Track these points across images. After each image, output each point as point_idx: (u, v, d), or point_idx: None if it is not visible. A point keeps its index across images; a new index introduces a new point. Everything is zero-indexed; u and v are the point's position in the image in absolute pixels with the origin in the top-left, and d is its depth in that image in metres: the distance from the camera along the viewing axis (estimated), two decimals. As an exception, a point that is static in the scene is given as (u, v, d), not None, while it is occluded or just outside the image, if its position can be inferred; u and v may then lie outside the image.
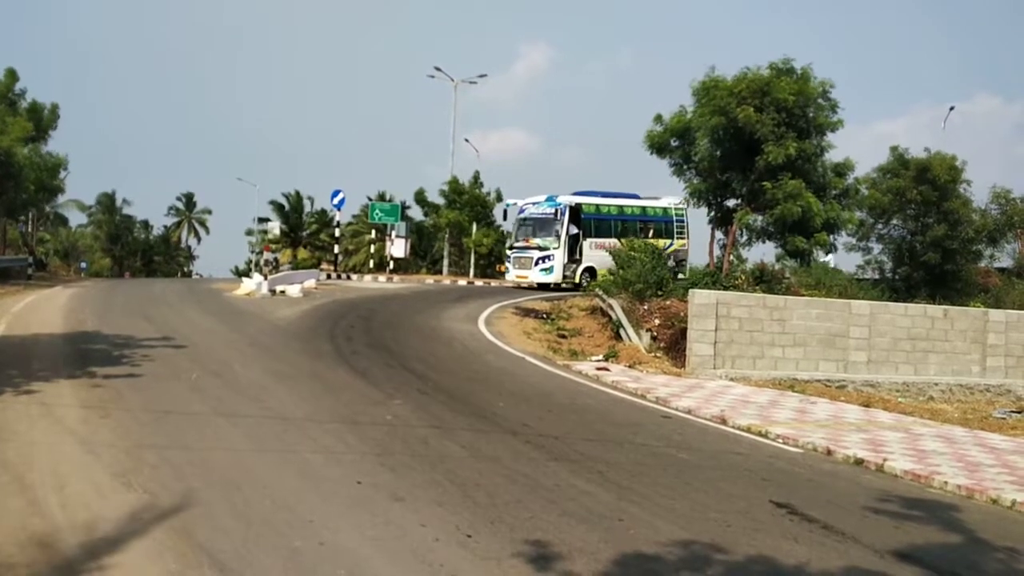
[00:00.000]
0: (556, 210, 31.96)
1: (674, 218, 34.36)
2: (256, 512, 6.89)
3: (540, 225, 32.32)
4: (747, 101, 24.84)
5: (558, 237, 31.59)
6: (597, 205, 33.28)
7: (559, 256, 31.55)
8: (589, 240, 32.21)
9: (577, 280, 31.73)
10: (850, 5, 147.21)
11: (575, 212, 32.03)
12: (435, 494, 7.60)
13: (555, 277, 31.64)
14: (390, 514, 7.00)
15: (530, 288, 31.36)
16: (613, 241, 30.85)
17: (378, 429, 9.98)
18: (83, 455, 8.29)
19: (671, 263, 30.88)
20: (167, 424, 9.63)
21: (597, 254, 31.40)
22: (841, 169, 27.29)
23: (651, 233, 33.02)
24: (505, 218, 36.42)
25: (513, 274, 33.07)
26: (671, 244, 33.35)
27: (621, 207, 34.20)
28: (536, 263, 31.91)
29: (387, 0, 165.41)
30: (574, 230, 31.88)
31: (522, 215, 33.41)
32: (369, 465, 8.42)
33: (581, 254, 32.02)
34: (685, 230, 34.69)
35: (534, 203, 33.15)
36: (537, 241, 32.13)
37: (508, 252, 33.98)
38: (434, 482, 7.96)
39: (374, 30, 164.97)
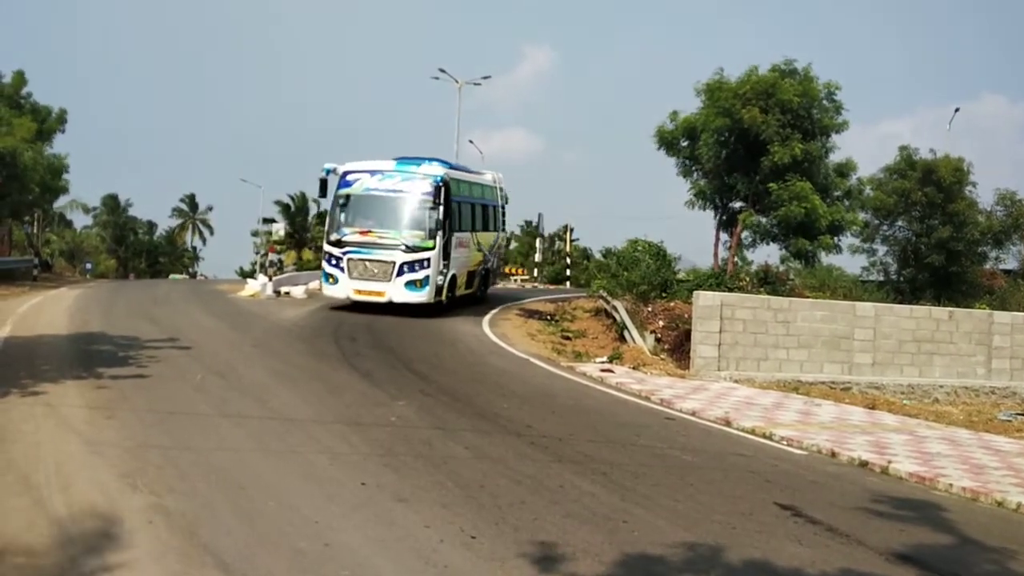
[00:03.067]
0: (433, 187, 20.89)
1: (500, 202, 27.42)
2: (260, 513, 6.91)
3: (398, 208, 21.17)
4: (752, 102, 24.81)
5: (434, 231, 20.75)
6: (460, 181, 23.33)
7: (435, 261, 20.81)
8: (455, 235, 22.19)
9: (444, 297, 21.51)
10: (857, 5, 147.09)
11: (448, 191, 21.34)
12: (439, 495, 7.61)
13: (428, 295, 20.80)
14: (394, 515, 7.02)
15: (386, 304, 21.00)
16: (468, 235, 23.61)
17: (382, 430, 10.00)
18: (88, 455, 8.31)
19: (493, 263, 26.99)
20: (172, 425, 9.65)
21: (460, 255, 22.80)
22: (843, 170, 27.24)
23: (488, 223, 25.94)
24: (323, 193, 22.45)
25: (346, 287, 21.05)
26: (497, 236, 27.29)
27: (480, 185, 25.69)
28: (398, 271, 20.59)
29: (392, 3, 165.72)
30: (442, 218, 20.99)
31: (361, 189, 21.42)
32: (373, 466, 8.43)
33: (449, 257, 21.74)
34: (505, 217, 28.48)
35: (380, 172, 21.53)
36: (393, 235, 20.83)
37: (330, 250, 21.41)
38: (438, 483, 7.98)
39: (379, 32, 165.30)
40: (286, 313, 21.20)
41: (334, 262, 21.21)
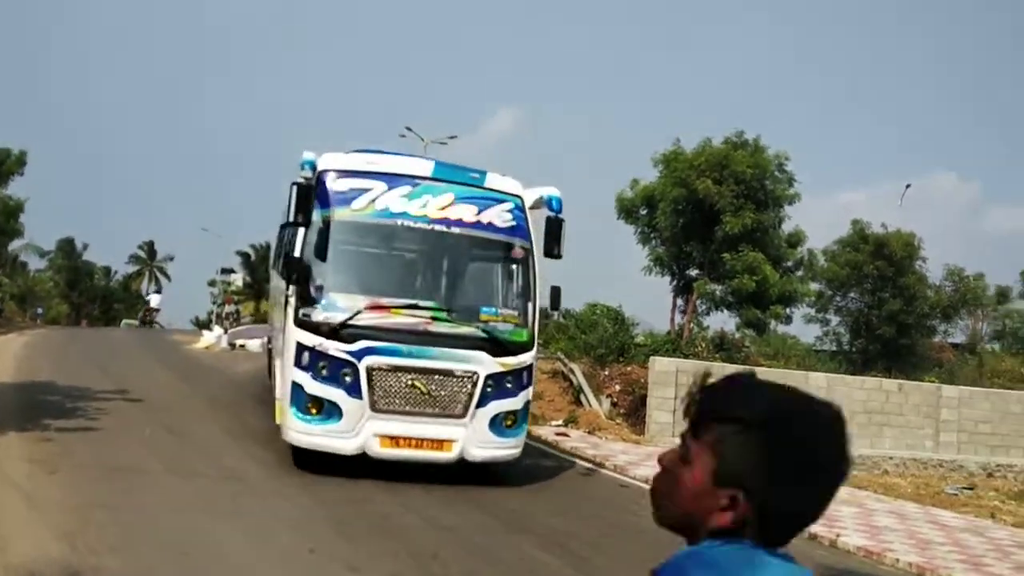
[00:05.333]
0: (519, 218, 11.06)
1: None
2: (205, 578, 6.76)
3: (463, 257, 11.58)
4: (706, 174, 25.39)
5: (530, 305, 11.21)
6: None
7: (535, 369, 12.18)
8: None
9: None
10: (817, 77, 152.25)
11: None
12: (391, 565, 7.52)
13: (521, 442, 11.32)
14: (343, 583, 6.91)
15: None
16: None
17: (335, 493, 9.86)
18: (28, 512, 8.08)
19: None
20: (118, 481, 9.42)
21: None
22: (792, 240, 27.85)
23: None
24: (302, 208, 10.28)
25: (361, 432, 10.11)
26: None
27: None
28: (482, 395, 10.36)
29: (365, 61, 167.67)
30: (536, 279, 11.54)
31: (375, 213, 10.52)
32: (324, 532, 8.31)
33: None
34: None
35: (409, 180, 10.66)
36: (461, 316, 10.66)
37: (314, 342, 10.12)
38: (390, 552, 7.88)
39: (347, 89, 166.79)
40: (241, 367, 20.92)
41: (326, 371, 9.98)
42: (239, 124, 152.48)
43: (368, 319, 10.12)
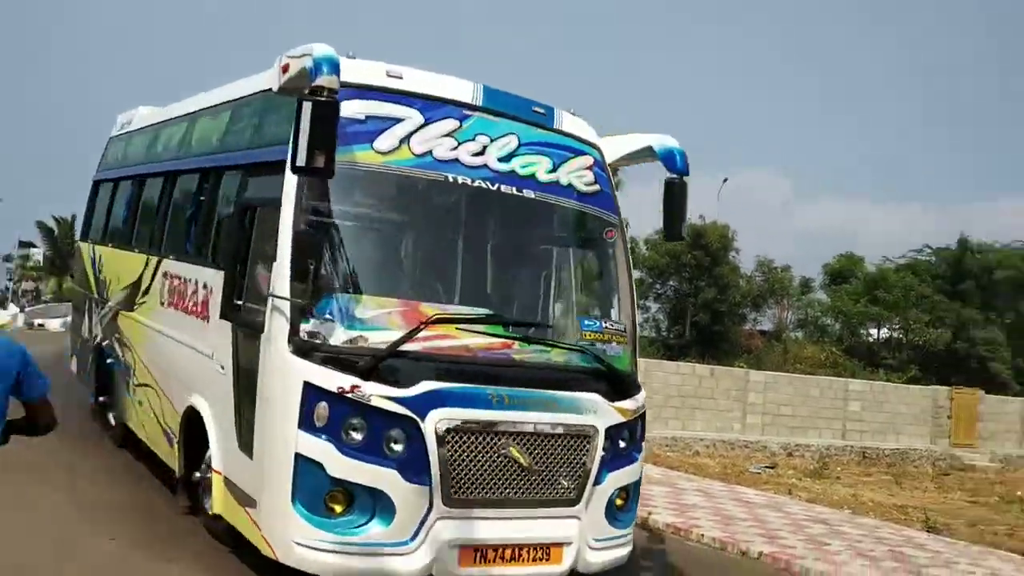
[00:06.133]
0: (603, 174, 7.04)
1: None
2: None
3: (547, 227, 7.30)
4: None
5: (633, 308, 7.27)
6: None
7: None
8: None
9: None
10: (639, 68, 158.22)
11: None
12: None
13: (632, 533, 7.18)
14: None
15: None
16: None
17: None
18: None
19: None
20: None
21: None
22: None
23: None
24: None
25: (419, 549, 5.68)
26: None
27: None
28: (600, 464, 6.27)
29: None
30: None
31: (409, 162, 6.07)
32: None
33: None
34: None
35: (444, 107, 6.28)
36: (561, 334, 6.83)
37: (341, 381, 5.55)
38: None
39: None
40: (38, 349, 19.08)
41: (362, 437, 5.62)
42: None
43: (428, 342, 5.81)
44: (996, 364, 37.44)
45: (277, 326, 5.73)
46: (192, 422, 7.10)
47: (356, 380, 5.50)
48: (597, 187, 6.94)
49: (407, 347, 5.70)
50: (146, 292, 8.87)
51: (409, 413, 5.57)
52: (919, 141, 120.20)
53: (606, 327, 6.73)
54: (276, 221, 5.85)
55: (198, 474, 7.02)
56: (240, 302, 6.45)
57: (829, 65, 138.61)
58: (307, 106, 5.24)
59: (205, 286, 7.14)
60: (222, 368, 6.58)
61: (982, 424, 25.63)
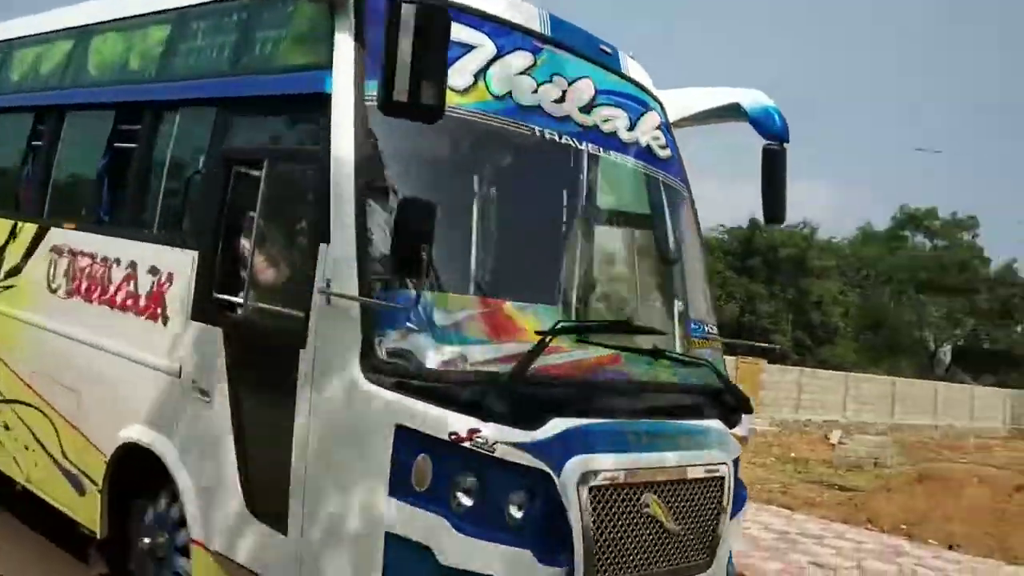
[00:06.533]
0: (670, 135, 5.57)
1: None
2: None
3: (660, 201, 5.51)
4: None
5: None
6: None
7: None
8: None
9: None
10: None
11: None
12: None
13: None
14: None
15: None
16: None
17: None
18: None
19: None
20: None
21: None
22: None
23: None
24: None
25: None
26: None
27: None
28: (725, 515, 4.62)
29: None
30: None
31: (498, 107, 4.41)
32: None
33: None
34: None
35: (515, 34, 4.59)
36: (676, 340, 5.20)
37: (451, 418, 3.72)
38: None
39: None
40: None
41: (481, 503, 3.73)
42: None
43: (557, 363, 4.19)
44: (778, 336, 40.29)
45: (337, 338, 3.90)
46: (130, 464, 5.01)
47: (474, 422, 3.69)
48: (670, 152, 5.44)
49: (542, 367, 3.96)
50: (14, 272, 6.32)
51: (541, 465, 3.76)
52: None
53: (708, 331, 5.33)
54: (317, 181, 4.08)
55: (146, 540, 4.90)
56: (238, 299, 4.43)
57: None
58: (407, 10, 3.47)
59: (154, 271, 4.98)
60: (202, 394, 4.53)
61: (764, 392, 27.48)
